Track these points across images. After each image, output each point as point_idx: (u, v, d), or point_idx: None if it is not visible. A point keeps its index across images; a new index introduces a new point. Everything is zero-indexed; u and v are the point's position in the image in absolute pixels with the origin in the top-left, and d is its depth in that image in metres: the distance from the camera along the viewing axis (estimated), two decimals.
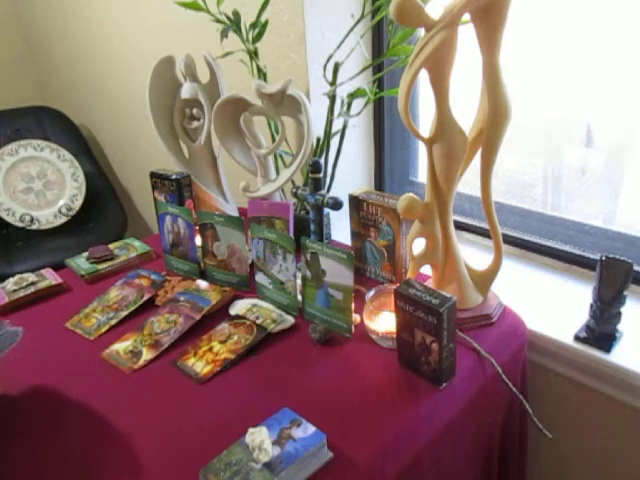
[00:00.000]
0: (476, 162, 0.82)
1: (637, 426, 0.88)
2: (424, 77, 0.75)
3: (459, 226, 1.22)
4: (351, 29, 1.03)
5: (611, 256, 0.80)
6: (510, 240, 1.14)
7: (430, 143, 0.79)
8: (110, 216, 2.07)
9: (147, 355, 0.85)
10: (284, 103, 1.00)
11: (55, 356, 0.88)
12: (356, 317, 0.88)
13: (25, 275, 1.08)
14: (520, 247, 1.14)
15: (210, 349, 0.85)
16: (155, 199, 1.18)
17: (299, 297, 0.93)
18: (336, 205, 0.97)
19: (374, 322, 0.83)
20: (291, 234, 0.99)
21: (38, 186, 1.96)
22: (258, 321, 0.89)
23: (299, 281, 0.93)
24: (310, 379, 0.78)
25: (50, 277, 1.09)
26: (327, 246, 0.86)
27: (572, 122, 1.08)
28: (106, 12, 1.80)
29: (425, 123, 1.19)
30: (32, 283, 1.06)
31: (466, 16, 0.71)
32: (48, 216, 1.95)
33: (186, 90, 1.15)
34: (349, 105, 1.10)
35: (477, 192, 0.85)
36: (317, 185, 1.00)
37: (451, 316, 0.71)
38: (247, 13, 1.07)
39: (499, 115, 0.76)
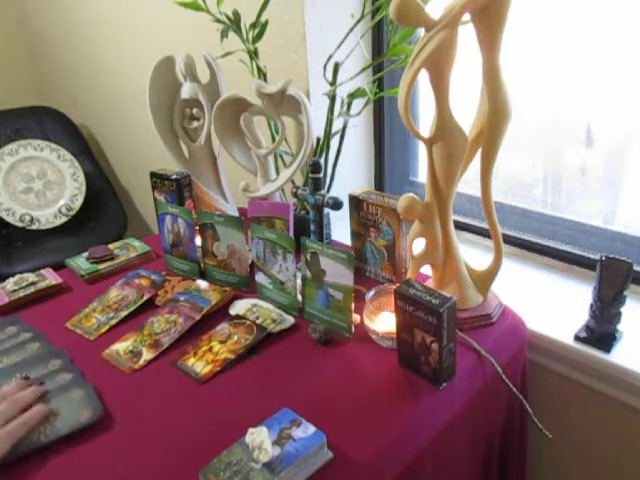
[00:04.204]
0: (476, 162, 0.82)
1: (637, 426, 0.88)
2: (424, 77, 0.75)
3: (459, 226, 1.22)
4: (351, 29, 1.03)
5: (611, 256, 0.80)
6: (510, 240, 1.14)
7: (430, 143, 0.79)
8: (110, 216, 2.07)
9: (147, 355, 0.85)
10: (284, 103, 1.00)
11: None
12: (356, 317, 0.88)
13: (25, 275, 1.08)
14: (520, 247, 1.14)
15: (210, 349, 0.85)
16: (155, 199, 1.18)
17: (299, 297, 0.93)
18: (336, 205, 0.97)
19: (374, 322, 0.83)
20: (291, 234, 1.00)
21: (38, 186, 1.96)
22: (258, 321, 0.89)
23: (299, 281, 0.93)
24: (310, 379, 0.78)
25: (50, 277, 1.09)
26: (327, 246, 0.86)
27: (572, 122, 1.08)
28: (106, 13, 1.80)
29: (425, 123, 1.19)
30: (32, 283, 1.06)
31: (466, 16, 0.71)
32: (48, 216, 1.95)
33: (186, 90, 1.15)
34: (349, 105, 1.10)
35: (477, 192, 0.85)
36: (317, 185, 1.00)
37: (451, 316, 0.71)
38: (247, 13, 1.07)
39: (499, 115, 0.76)
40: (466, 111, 0.82)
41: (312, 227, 1.04)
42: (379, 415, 0.70)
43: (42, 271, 1.11)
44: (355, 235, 1.03)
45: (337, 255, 0.84)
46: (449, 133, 0.77)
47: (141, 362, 0.83)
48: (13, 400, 0.70)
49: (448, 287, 0.88)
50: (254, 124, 1.07)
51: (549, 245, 1.10)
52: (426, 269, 0.92)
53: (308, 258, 0.88)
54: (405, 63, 0.96)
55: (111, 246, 1.20)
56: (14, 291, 1.03)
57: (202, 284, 1.02)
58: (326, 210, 1.05)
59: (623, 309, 0.83)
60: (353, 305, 0.85)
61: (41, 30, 2.24)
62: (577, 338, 0.87)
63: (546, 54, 1.04)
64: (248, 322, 0.90)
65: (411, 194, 0.83)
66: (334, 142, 1.15)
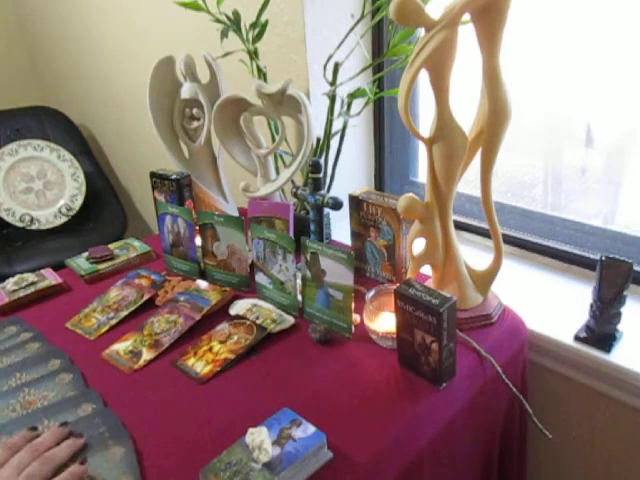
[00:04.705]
0: (476, 162, 0.82)
1: (637, 426, 0.88)
2: (424, 77, 0.75)
3: (459, 226, 1.22)
4: (351, 29, 1.03)
5: (611, 256, 0.80)
6: (510, 240, 1.14)
7: (430, 143, 0.79)
8: (110, 216, 2.07)
9: (147, 355, 0.85)
10: (284, 103, 1.00)
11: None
12: (356, 317, 0.88)
13: (25, 275, 1.08)
14: (520, 247, 1.14)
15: (210, 349, 0.85)
16: (155, 199, 1.18)
17: (299, 297, 0.93)
18: (336, 205, 0.97)
19: (374, 322, 0.83)
20: (291, 234, 1.00)
21: (38, 186, 1.96)
22: (258, 321, 0.89)
23: (299, 281, 0.93)
24: (310, 379, 0.78)
25: (50, 277, 1.09)
26: (327, 246, 0.86)
27: (572, 122, 1.08)
28: (106, 13, 1.80)
29: (425, 123, 1.19)
30: (32, 283, 1.06)
31: (466, 16, 0.71)
32: (48, 216, 1.95)
33: (186, 90, 1.15)
34: (349, 105, 1.10)
35: (477, 192, 0.85)
36: (317, 185, 1.00)
37: (451, 316, 0.71)
38: (247, 13, 1.07)
39: (499, 115, 0.76)
40: (466, 111, 0.82)
41: (312, 227, 1.04)
42: (379, 415, 0.70)
43: (42, 271, 1.11)
44: (355, 235, 1.03)
45: (337, 255, 0.84)
46: (449, 133, 0.77)
47: (141, 362, 0.83)
48: (46, 457, 0.61)
49: (448, 287, 0.88)
50: (254, 124, 1.07)
51: (549, 245, 1.10)
52: (426, 269, 0.92)
53: (308, 258, 0.88)
54: (405, 63, 0.96)
55: (111, 246, 1.20)
56: (14, 291, 1.03)
57: (202, 284, 1.02)
58: (326, 210, 1.05)
59: (623, 309, 0.83)
60: (353, 305, 0.85)
61: (41, 30, 2.24)
62: (577, 338, 0.87)
63: (546, 54, 1.04)
64: (248, 322, 0.90)
65: (411, 194, 0.83)
66: (334, 142, 1.14)
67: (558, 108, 1.09)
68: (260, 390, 0.77)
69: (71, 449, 0.63)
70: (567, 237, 1.08)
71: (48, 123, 2.13)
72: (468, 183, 1.18)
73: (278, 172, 1.13)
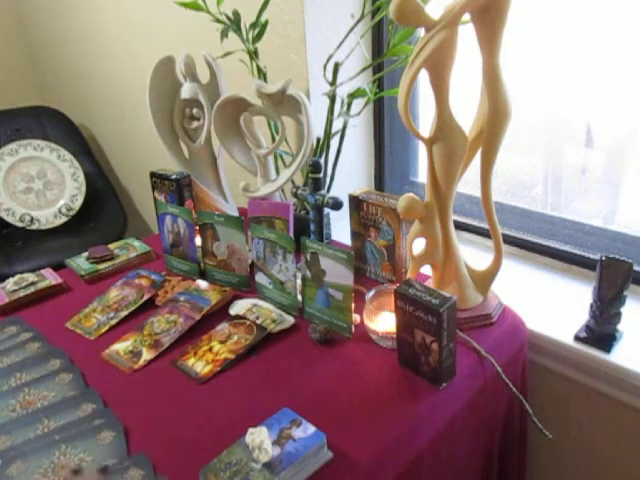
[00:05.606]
0: (476, 162, 0.82)
1: (637, 426, 0.88)
2: (424, 77, 0.75)
3: (459, 226, 1.22)
4: (351, 29, 1.03)
5: (611, 256, 0.80)
6: (510, 240, 1.14)
7: (430, 143, 0.79)
8: (110, 216, 2.07)
9: (147, 355, 0.85)
10: (284, 103, 1.00)
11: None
12: (356, 317, 0.88)
13: (25, 275, 1.08)
14: (520, 247, 1.14)
15: (210, 349, 0.85)
16: (155, 199, 1.18)
17: (299, 297, 0.93)
18: (336, 205, 0.97)
19: (374, 322, 0.83)
20: (291, 234, 1.00)
21: (38, 186, 1.96)
22: (258, 321, 0.89)
23: (299, 281, 0.93)
24: (310, 379, 0.78)
25: (50, 277, 1.09)
26: (327, 246, 0.86)
27: (572, 122, 1.08)
28: (106, 13, 1.80)
29: (425, 123, 1.19)
30: (32, 283, 1.06)
31: (466, 16, 0.71)
32: (48, 216, 1.95)
33: (186, 90, 1.15)
34: (349, 105, 1.10)
35: (477, 192, 0.85)
36: (317, 185, 1.00)
37: (451, 316, 0.71)
38: (247, 13, 1.07)
39: (499, 115, 0.76)
40: (466, 111, 0.82)
41: (312, 227, 1.04)
42: (379, 415, 0.70)
43: (42, 271, 1.11)
44: (355, 235, 1.03)
45: (337, 255, 0.84)
46: (449, 133, 0.77)
47: (141, 362, 0.83)
48: None
49: (448, 287, 0.88)
50: (254, 124, 1.07)
51: (549, 245, 1.10)
52: (426, 269, 0.92)
53: (308, 258, 0.88)
54: (405, 63, 0.96)
55: (111, 246, 1.20)
56: (14, 291, 1.03)
57: (202, 284, 1.02)
58: (326, 210, 1.05)
59: (623, 309, 0.83)
60: (353, 305, 0.85)
61: (41, 29, 2.24)
62: (577, 338, 0.87)
63: (546, 54, 1.04)
64: (248, 322, 0.90)
65: (411, 194, 0.83)
66: (334, 142, 1.15)
67: (558, 108, 1.09)
68: (260, 390, 0.77)
69: None
70: (567, 237, 1.08)
71: (48, 123, 2.13)
72: (468, 183, 1.18)
73: (278, 172, 1.13)
